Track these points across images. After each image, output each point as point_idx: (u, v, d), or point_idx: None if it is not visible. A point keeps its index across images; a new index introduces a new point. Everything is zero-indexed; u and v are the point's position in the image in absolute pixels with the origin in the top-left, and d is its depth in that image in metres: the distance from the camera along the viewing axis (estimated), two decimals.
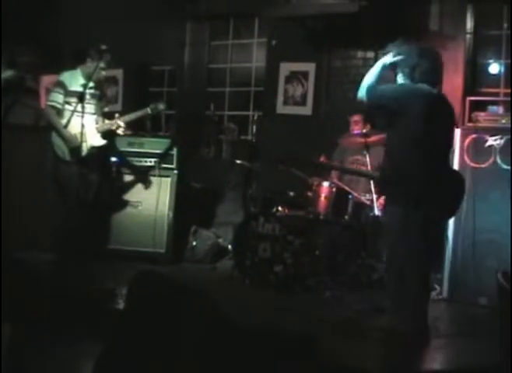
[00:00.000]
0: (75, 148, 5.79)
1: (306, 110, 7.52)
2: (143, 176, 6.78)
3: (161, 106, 6.37)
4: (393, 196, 4.39)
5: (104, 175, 6.40)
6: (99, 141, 6.09)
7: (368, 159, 5.88)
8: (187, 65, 8.49)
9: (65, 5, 8.55)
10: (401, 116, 4.29)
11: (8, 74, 6.94)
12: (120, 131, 6.15)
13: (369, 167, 5.88)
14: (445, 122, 4.42)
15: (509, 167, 5.42)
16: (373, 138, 5.91)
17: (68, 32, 8.43)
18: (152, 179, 6.77)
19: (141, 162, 6.81)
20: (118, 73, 8.54)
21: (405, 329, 4.24)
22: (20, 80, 7.38)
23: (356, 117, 6.45)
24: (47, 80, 7.92)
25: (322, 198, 5.93)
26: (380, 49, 6.91)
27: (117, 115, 6.20)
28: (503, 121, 5.57)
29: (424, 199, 4.21)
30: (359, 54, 7.23)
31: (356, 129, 6.35)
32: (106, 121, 6.18)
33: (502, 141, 5.50)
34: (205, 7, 8.11)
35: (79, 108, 5.74)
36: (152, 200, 6.71)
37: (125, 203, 6.74)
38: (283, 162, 6.03)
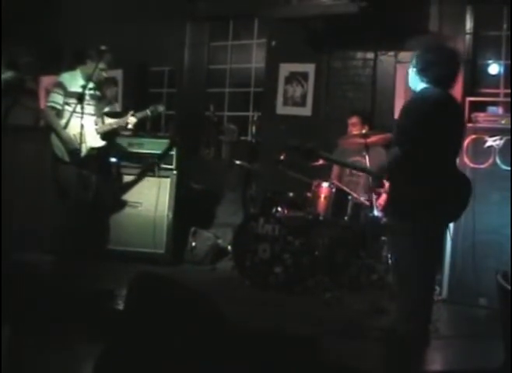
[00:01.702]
0: (73, 150, 5.78)
1: (306, 111, 7.53)
2: (143, 177, 6.79)
3: (160, 108, 6.36)
4: (398, 198, 4.35)
5: (104, 175, 6.40)
6: (99, 142, 6.08)
7: (367, 160, 5.87)
8: (186, 66, 8.50)
9: (65, 6, 8.55)
10: (411, 120, 4.23)
11: (7, 75, 6.94)
12: (130, 126, 6.14)
13: None
14: (456, 126, 4.35)
15: (508, 168, 5.42)
16: (372, 139, 5.91)
17: (68, 33, 8.43)
18: (152, 179, 6.77)
19: (140, 162, 6.81)
20: (118, 74, 8.54)
21: (405, 330, 4.23)
22: (20, 81, 7.38)
23: (354, 119, 6.45)
24: (46, 81, 7.93)
25: (322, 199, 5.93)
26: (379, 50, 6.94)
27: (131, 112, 6.18)
28: (503, 122, 5.57)
29: (431, 202, 4.16)
30: (359, 54, 7.23)
31: (354, 131, 6.35)
32: (108, 121, 6.17)
33: (501, 142, 5.50)
34: (204, 8, 8.11)
35: (79, 109, 5.73)
36: (152, 200, 6.71)
37: (125, 204, 6.74)
38: (286, 156, 5.96)
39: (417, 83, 4.27)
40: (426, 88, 4.22)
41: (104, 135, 6.13)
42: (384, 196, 6.06)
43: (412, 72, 4.30)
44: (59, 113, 5.88)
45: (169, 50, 8.46)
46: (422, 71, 4.21)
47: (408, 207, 4.16)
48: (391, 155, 4.27)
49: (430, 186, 4.12)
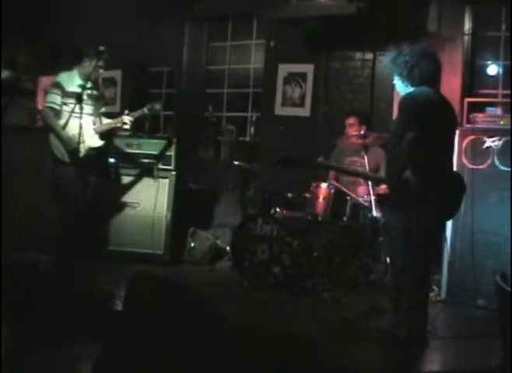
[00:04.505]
0: (72, 150, 5.78)
1: (305, 112, 7.53)
2: (141, 177, 6.78)
3: (158, 106, 6.33)
4: (394, 199, 4.35)
5: (102, 176, 6.39)
6: (98, 142, 6.07)
7: (366, 160, 5.87)
8: (185, 66, 8.50)
9: (64, 6, 8.55)
10: (405, 119, 4.24)
11: (4, 75, 6.93)
12: (126, 126, 6.10)
13: (367, 168, 5.87)
14: (448, 123, 4.37)
15: (506, 168, 5.42)
16: (370, 139, 5.91)
17: (67, 33, 8.43)
18: (150, 180, 6.76)
19: (139, 163, 6.81)
20: (117, 74, 8.54)
21: (404, 330, 4.23)
22: (16, 81, 7.36)
23: (351, 120, 6.44)
24: (45, 81, 7.92)
25: (320, 199, 5.93)
26: (378, 50, 6.93)
27: (126, 112, 6.16)
28: (501, 122, 5.57)
29: (425, 202, 4.16)
30: (358, 55, 7.23)
31: (352, 131, 6.34)
32: (105, 121, 6.17)
33: (500, 143, 5.50)
34: (203, 8, 8.11)
35: (77, 109, 5.72)
36: (150, 201, 6.71)
37: (123, 204, 6.73)
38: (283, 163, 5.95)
39: (405, 89, 4.33)
40: (414, 89, 4.27)
41: (102, 135, 6.12)
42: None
43: (397, 82, 4.37)
44: (58, 114, 5.87)
45: (168, 51, 8.46)
46: (405, 75, 4.29)
47: (404, 204, 4.18)
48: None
49: (426, 183, 4.13)
